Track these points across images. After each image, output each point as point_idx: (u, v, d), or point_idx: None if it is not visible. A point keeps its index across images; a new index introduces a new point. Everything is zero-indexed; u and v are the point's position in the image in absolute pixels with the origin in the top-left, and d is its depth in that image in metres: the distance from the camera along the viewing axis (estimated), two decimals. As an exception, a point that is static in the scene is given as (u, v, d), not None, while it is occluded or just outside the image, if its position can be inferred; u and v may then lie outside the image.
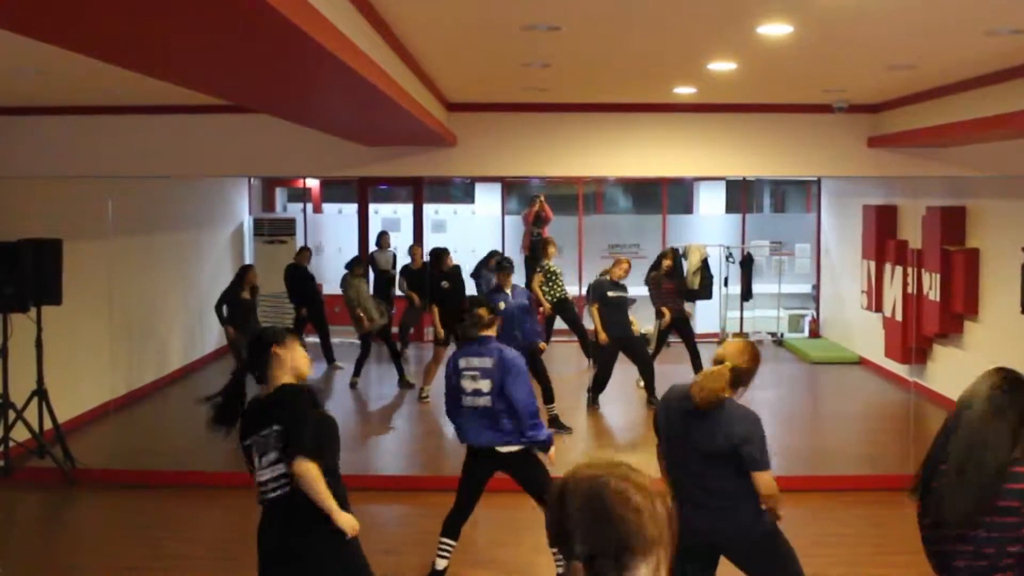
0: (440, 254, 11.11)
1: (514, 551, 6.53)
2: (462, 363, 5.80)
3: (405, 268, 12.34)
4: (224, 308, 10.76)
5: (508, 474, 5.84)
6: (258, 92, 5.74)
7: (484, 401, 5.70)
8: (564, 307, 11.60)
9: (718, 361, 4.33)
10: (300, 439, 3.99)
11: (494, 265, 11.98)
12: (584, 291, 12.18)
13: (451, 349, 10.61)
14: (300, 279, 12.25)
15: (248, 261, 14.55)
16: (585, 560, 1.87)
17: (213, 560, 6.42)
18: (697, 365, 11.18)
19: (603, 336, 10.16)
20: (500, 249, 14.81)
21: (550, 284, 11.56)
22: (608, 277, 10.26)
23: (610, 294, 10.19)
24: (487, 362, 5.74)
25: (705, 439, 4.23)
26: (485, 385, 5.71)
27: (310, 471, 3.96)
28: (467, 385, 5.75)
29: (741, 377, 4.29)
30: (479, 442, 5.77)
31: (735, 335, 4.63)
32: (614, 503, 1.90)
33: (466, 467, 5.90)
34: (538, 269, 11.77)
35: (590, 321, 11.65)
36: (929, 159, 8.89)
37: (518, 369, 5.71)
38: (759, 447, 4.21)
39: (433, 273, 11.03)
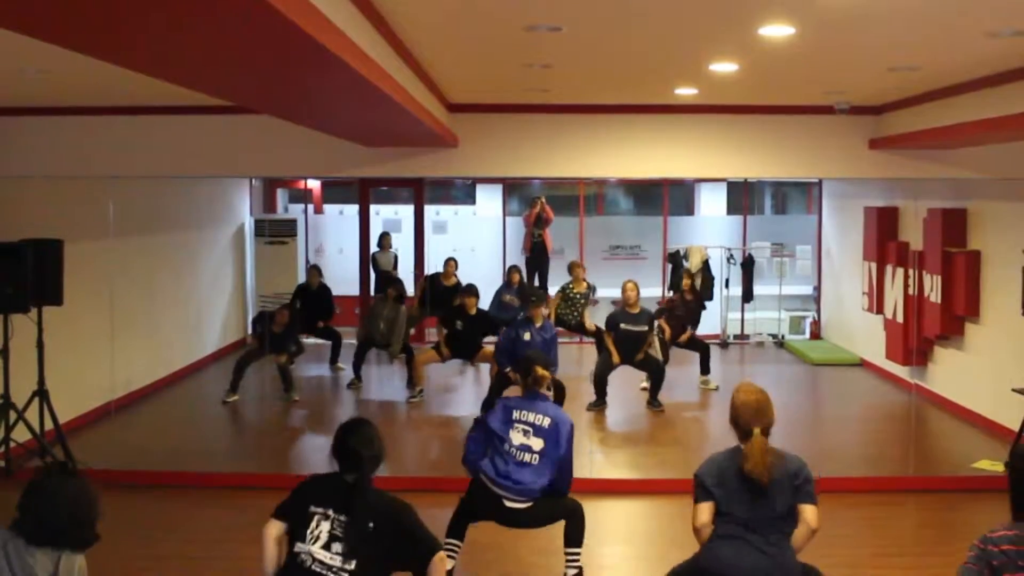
0: (468, 292, 10.62)
1: (515, 551, 6.52)
2: (515, 413, 5.61)
3: (434, 279, 12.25)
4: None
5: (514, 527, 5.74)
6: (260, 93, 5.74)
7: (530, 458, 5.52)
8: (580, 330, 11.87)
9: (739, 426, 4.32)
10: (431, 539, 4.09)
11: (515, 287, 12.06)
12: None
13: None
14: (311, 298, 12.17)
15: (249, 262, 14.59)
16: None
17: (213, 560, 6.42)
18: (706, 364, 11.30)
19: (616, 358, 10.29)
20: (501, 248, 14.83)
21: (568, 308, 11.67)
22: (622, 307, 10.33)
23: (623, 326, 10.28)
24: (544, 420, 5.57)
25: (774, 501, 4.23)
26: (537, 443, 5.54)
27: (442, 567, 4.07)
28: (516, 438, 5.56)
29: (769, 431, 4.32)
30: (497, 483, 5.55)
31: (743, 390, 4.53)
32: None
33: (468, 501, 5.75)
34: (560, 290, 11.87)
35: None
36: (931, 161, 8.89)
37: (571, 431, 5.62)
38: (812, 482, 4.30)
39: (454, 306, 10.65)
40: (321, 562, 3.93)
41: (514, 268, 12.91)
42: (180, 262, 12.48)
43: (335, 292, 12.58)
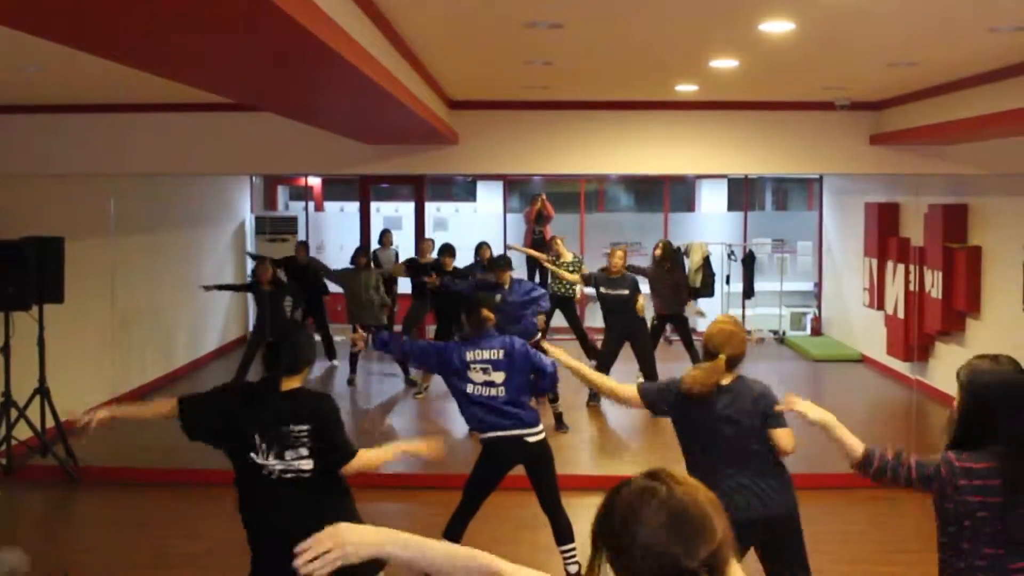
0: (444, 251, 11.08)
1: (514, 549, 6.52)
2: (468, 355, 5.70)
3: (413, 261, 12.22)
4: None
5: (528, 467, 5.76)
6: (260, 90, 5.74)
7: (496, 391, 5.63)
8: (567, 306, 11.61)
9: (709, 351, 4.39)
10: (348, 445, 4.29)
11: (486, 261, 11.98)
12: (586, 289, 12.16)
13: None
14: (294, 270, 12.14)
15: (249, 260, 14.57)
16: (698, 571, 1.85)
17: (215, 558, 6.42)
18: (695, 360, 11.21)
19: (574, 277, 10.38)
20: (502, 245, 14.82)
21: (560, 282, 11.56)
22: (604, 273, 10.18)
23: (603, 290, 10.10)
24: (498, 353, 5.69)
25: (731, 420, 4.30)
26: (498, 376, 5.65)
27: (361, 459, 4.28)
28: (477, 377, 5.67)
29: (735, 362, 4.39)
30: (503, 426, 5.63)
31: (722, 319, 4.64)
32: (696, 510, 1.87)
33: (482, 464, 5.80)
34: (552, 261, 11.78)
35: (591, 319, 11.65)
36: (931, 156, 8.88)
37: (524, 347, 5.77)
38: (777, 405, 4.31)
39: (433, 264, 11.06)
40: (276, 468, 4.19)
41: (483, 244, 12.67)
42: (181, 259, 12.48)
43: (335, 291, 12.56)
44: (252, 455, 4.21)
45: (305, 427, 4.19)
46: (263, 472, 4.21)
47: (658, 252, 11.15)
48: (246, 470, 4.27)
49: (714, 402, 4.34)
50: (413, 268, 11.98)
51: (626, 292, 10.02)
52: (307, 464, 4.20)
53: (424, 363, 6.34)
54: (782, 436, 4.32)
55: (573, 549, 5.79)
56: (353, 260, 11.49)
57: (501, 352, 5.69)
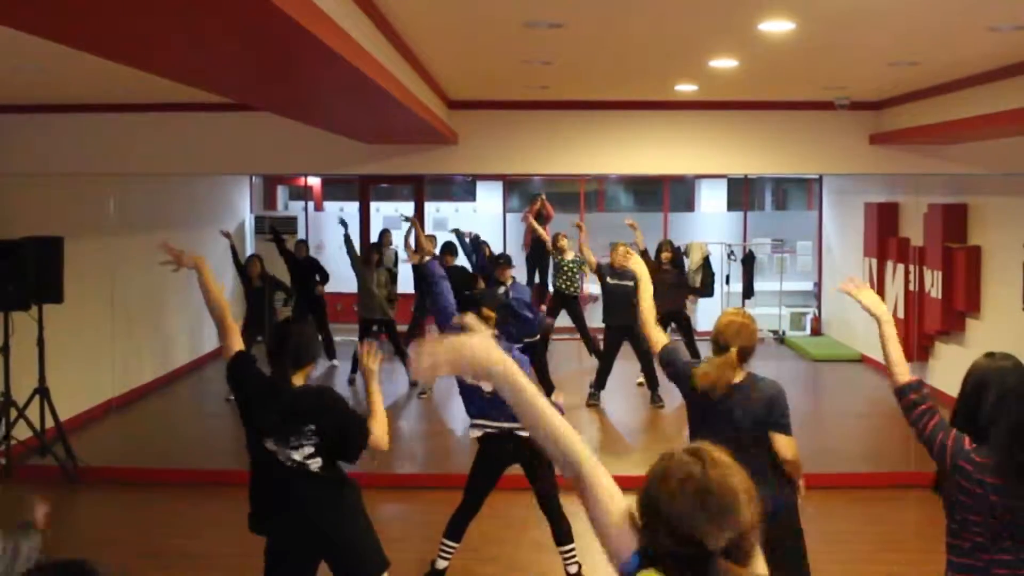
0: (445, 248, 11.09)
1: (514, 547, 6.53)
2: None
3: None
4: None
5: (523, 463, 5.78)
6: (260, 90, 5.74)
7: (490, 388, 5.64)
8: (571, 304, 11.62)
9: (719, 344, 4.32)
10: (361, 427, 4.26)
11: (488, 258, 11.98)
12: (587, 289, 12.17)
13: None
14: (293, 266, 12.14)
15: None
16: (722, 554, 1.83)
17: (216, 558, 6.42)
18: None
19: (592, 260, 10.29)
20: (501, 245, 14.82)
21: (563, 280, 11.55)
22: (610, 265, 10.16)
23: (609, 280, 10.10)
24: None
25: (734, 420, 4.23)
26: None
27: (376, 433, 4.26)
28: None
29: (746, 354, 4.31)
30: (495, 418, 5.66)
31: (732, 312, 4.58)
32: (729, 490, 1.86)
33: (479, 461, 5.85)
34: (554, 269, 11.78)
35: (591, 320, 11.63)
36: (931, 156, 8.88)
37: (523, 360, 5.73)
38: (786, 413, 4.27)
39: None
40: (292, 459, 4.19)
41: (482, 242, 12.68)
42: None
43: (335, 290, 12.56)
44: (266, 442, 4.24)
45: (311, 426, 4.19)
46: (274, 459, 4.22)
47: (666, 255, 11.07)
48: (259, 455, 4.29)
49: (724, 399, 4.27)
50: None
51: (631, 283, 9.97)
52: (315, 463, 4.20)
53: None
54: (783, 443, 4.26)
55: (572, 550, 5.80)
56: (364, 255, 11.55)
57: None
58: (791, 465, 4.30)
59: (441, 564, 5.85)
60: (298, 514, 4.24)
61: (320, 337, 12.15)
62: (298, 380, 4.33)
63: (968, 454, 3.16)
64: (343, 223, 11.60)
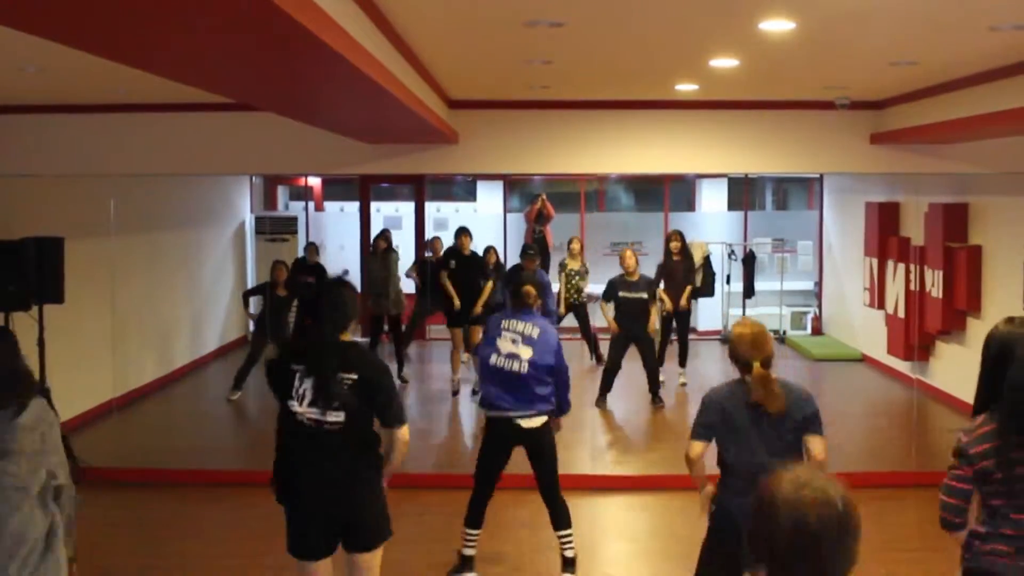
0: (460, 232, 11.14)
1: (514, 549, 6.53)
2: (504, 323, 5.84)
3: (452, 251, 11.41)
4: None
5: (527, 449, 5.82)
6: (260, 90, 5.74)
7: (519, 367, 5.68)
8: (578, 311, 11.76)
9: (740, 363, 4.27)
10: (402, 409, 4.34)
11: (492, 264, 12.02)
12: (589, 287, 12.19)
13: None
14: (302, 270, 12.11)
15: (249, 259, 14.59)
16: None
17: (218, 558, 6.42)
18: (684, 359, 11.24)
19: (613, 326, 10.31)
20: (502, 245, 14.82)
21: (567, 286, 11.64)
22: (622, 276, 10.29)
23: (621, 294, 10.24)
24: (533, 331, 5.78)
25: (779, 431, 4.21)
26: (525, 352, 5.71)
27: (405, 432, 4.33)
28: (504, 347, 5.74)
29: (768, 363, 4.27)
30: (501, 407, 5.72)
31: (739, 324, 4.54)
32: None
33: (486, 443, 5.89)
34: (559, 269, 11.88)
35: (600, 320, 11.67)
36: (932, 156, 8.88)
37: (559, 344, 5.87)
38: (818, 413, 4.29)
39: (450, 248, 11.16)
40: (311, 417, 4.20)
41: (490, 248, 12.59)
42: (181, 260, 12.48)
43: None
44: (291, 402, 4.26)
45: (353, 376, 4.20)
46: (298, 419, 4.24)
47: (676, 244, 11.22)
48: (289, 425, 4.31)
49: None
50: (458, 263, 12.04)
51: (644, 295, 10.21)
52: (338, 416, 4.19)
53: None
54: (821, 445, 4.25)
55: (570, 535, 5.85)
56: (372, 245, 11.59)
57: (536, 330, 5.80)
58: (822, 465, 4.30)
59: (468, 552, 5.93)
60: (326, 476, 4.26)
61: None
62: (346, 337, 4.38)
63: (969, 432, 3.40)
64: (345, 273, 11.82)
